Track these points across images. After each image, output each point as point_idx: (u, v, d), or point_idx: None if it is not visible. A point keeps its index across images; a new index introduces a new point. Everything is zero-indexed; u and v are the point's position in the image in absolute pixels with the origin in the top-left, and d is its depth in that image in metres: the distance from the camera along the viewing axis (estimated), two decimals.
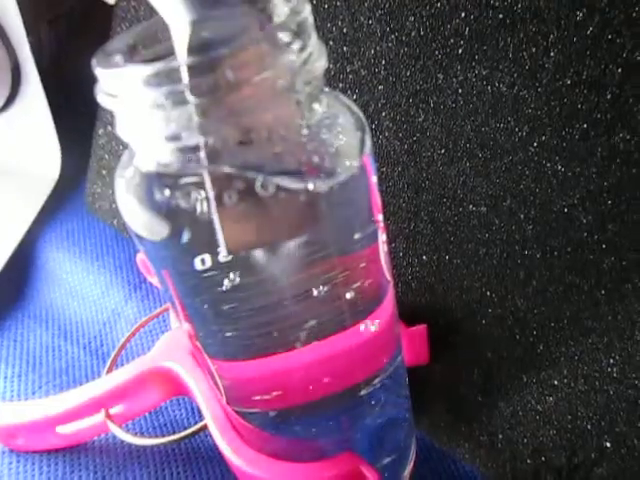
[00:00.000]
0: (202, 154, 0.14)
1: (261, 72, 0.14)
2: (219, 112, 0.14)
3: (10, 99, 0.44)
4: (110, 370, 0.30)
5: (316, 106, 0.16)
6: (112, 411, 0.28)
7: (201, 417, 0.25)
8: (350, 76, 0.27)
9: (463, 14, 0.23)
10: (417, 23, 0.24)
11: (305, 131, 0.16)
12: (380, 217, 0.19)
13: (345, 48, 0.26)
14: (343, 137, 0.17)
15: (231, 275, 0.16)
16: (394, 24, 0.25)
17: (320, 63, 0.16)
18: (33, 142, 0.46)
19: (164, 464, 0.29)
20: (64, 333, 0.37)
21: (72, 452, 0.29)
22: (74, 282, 0.40)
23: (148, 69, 0.14)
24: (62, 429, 0.29)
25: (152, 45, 0.17)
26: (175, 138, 0.14)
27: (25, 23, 0.40)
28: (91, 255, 0.41)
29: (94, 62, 0.15)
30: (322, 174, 0.16)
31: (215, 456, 0.27)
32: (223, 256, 0.16)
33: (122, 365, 0.32)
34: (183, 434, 0.27)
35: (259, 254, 0.16)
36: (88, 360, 0.36)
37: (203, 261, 0.16)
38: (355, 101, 0.27)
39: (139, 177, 0.16)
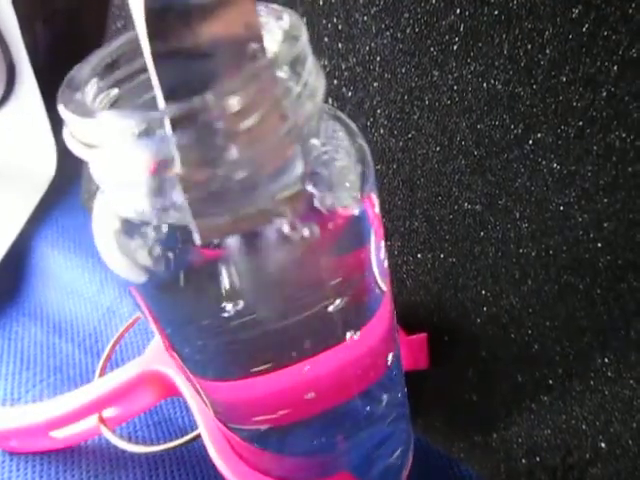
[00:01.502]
0: (189, 210, 0.13)
1: (252, 117, 0.12)
2: (207, 162, 0.12)
3: (5, 97, 0.44)
4: (103, 368, 0.30)
5: (314, 141, 0.15)
6: (105, 414, 0.28)
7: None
8: (345, 73, 0.27)
9: (458, 10, 0.23)
10: (412, 20, 0.24)
11: (302, 175, 0.14)
12: (382, 243, 0.18)
13: (340, 45, 0.26)
14: (342, 176, 0.15)
15: (225, 304, 0.15)
16: (389, 21, 0.25)
17: (318, 94, 0.14)
18: (29, 140, 0.46)
19: (157, 464, 0.29)
20: (59, 331, 0.37)
21: (65, 452, 0.29)
22: (69, 279, 0.40)
23: (126, 122, 0.12)
24: (55, 433, 0.28)
25: (131, 59, 0.15)
26: (157, 189, 0.13)
27: (20, 21, 0.40)
28: (86, 253, 0.41)
29: (59, 99, 0.13)
30: (318, 220, 0.14)
31: (209, 457, 0.26)
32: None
33: (116, 363, 0.32)
34: (176, 443, 0.27)
35: (252, 284, 0.15)
36: (83, 358, 0.35)
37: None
38: (350, 98, 0.27)
39: (117, 220, 0.15)
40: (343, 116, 0.17)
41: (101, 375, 0.29)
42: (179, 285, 0.15)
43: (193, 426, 0.26)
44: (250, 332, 0.17)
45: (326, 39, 0.27)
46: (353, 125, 0.17)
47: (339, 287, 0.17)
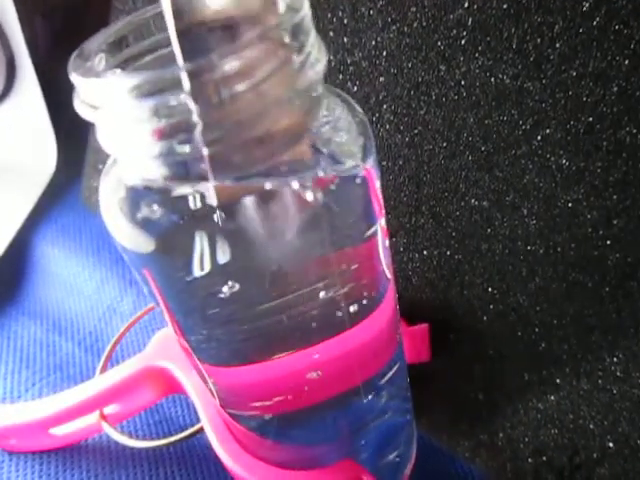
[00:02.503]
0: (200, 167, 0.13)
1: (258, 79, 0.13)
2: (215, 123, 0.13)
3: (5, 93, 0.44)
4: (104, 366, 0.30)
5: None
6: (106, 411, 0.27)
7: (197, 414, 0.25)
8: (351, 68, 0.26)
9: (466, 4, 0.23)
10: (419, 13, 0.24)
11: (305, 138, 0.15)
12: (382, 220, 0.18)
13: (346, 39, 0.26)
14: (343, 144, 0.16)
15: (230, 282, 0.16)
16: (395, 14, 0.24)
17: (320, 65, 0.14)
18: (29, 136, 0.45)
19: (158, 462, 0.28)
20: (59, 329, 0.37)
21: (65, 450, 0.29)
22: (69, 277, 0.40)
23: (131, 80, 0.12)
24: (55, 430, 0.28)
25: (139, 39, 0.16)
26: (163, 154, 0.13)
27: (19, 16, 0.40)
28: (86, 250, 0.41)
29: (70, 66, 0.14)
30: (320, 184, 0.15)
31: (210, 454, 0.26)
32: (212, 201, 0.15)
33: (117, 361, 0.32)
34: (178, 437, 0.26)
35: (258, 258, 0.16)
36: (83, 356, 0.35)
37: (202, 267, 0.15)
38: (355, 93, 0.27)
39: (124, 189, 0.15)
40: (344, 94, 0.17)
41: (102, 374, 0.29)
42: (184, 253, 0.15)
43: (194, 424, 0.26)
44: (254, 320, 0.17)
45: (331, 33, 0.26)
46: (354, 102, 0.17)
47: (347, 272, 0.17)
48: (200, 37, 0.14)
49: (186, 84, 0.12)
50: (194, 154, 0.13)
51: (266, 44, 0.13)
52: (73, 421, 0.28)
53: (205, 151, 0.13)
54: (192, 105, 0.12)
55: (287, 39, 0.13)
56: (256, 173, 0.14)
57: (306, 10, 0.14)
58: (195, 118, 0.13)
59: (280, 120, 0.14)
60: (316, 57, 0.14)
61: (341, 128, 0.16)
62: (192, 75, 0.12)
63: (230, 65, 0.12)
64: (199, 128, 0.13)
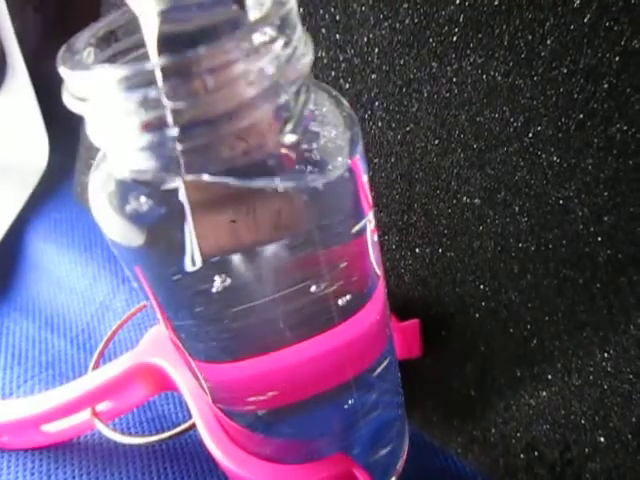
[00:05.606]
0: (181, 163, 0.13)
1: (241, 73, 0.13)
2: (197, 117, 0.13)
3: None
4: (96, 364, 0.30)
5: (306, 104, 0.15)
6: (98, 408, 0.27)
7: (189, 411, 0.25)
8: (343, 64, 0.26)
9: (458, 1, 0.23)
10: (411, 10, 0.24)
11: (290, 133, 0.15)
12: (371, 215, 0.18)
13: (337, 36, 0.26)
14: (331, 139, 0.16)
15: (219, 277, 0.16)
16: (387, 11, 0.24)
17: (306, 59, 0.14)
18: (20, 131, 0.45)
19: (151, 459, 0.28)
20: (51, 326, 0.37)
21: (57, 449, 0.29)
22: (61, 274, 0.40)
23: (119, 72, 0.12)
24: (48, 427, 0.28)
25: (128, 34, 0.16)
26: (151, 147, 0.13)
27: (10, 9, 0.39)
28: (79, 247, 0.41)
29: (59, 59, 0.14)
30: (306, 177, 0.15)
31: (203, 451, 0.26)
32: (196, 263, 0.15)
33: (110, 359, 0.32)
34: (170, 433, 0.26)
35: (244, 255, 0.16)
36: (75, 354, 0.35)
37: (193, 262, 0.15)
38: (347, 90, 0.27)
39: (113, 183, 0.15)
40: (331, 89, 0.17)
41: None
42: (174, 246, 0.15)
43: (187, 421, 0.26)
44: (243, 317, 0.17)
45: (323, 30, 0.26)
46: (341, 97, 0.17)
47: (336, 268, 0.17)
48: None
49: (159, 81, 0.12)
50: (180, 147, 0.13)
51: (252, 38, 0.13)
52: (65, 418, 0.28)
53: (182, 145, 0.13)
54: (165, 101, 0.12)
55: (274, 32, 0.13)
56: (241, 169, 0.14)
57: (292, 3, 0.14)
58: (169, 114, 0.13)
59: (264, 114, 0.14)
60: (303, 51, 0.14)
61: (329, 123, 0.16)
62: (177, 68, 0.12)
63: (209, 62, 0.12)
64: (173, 123, 0.13)
